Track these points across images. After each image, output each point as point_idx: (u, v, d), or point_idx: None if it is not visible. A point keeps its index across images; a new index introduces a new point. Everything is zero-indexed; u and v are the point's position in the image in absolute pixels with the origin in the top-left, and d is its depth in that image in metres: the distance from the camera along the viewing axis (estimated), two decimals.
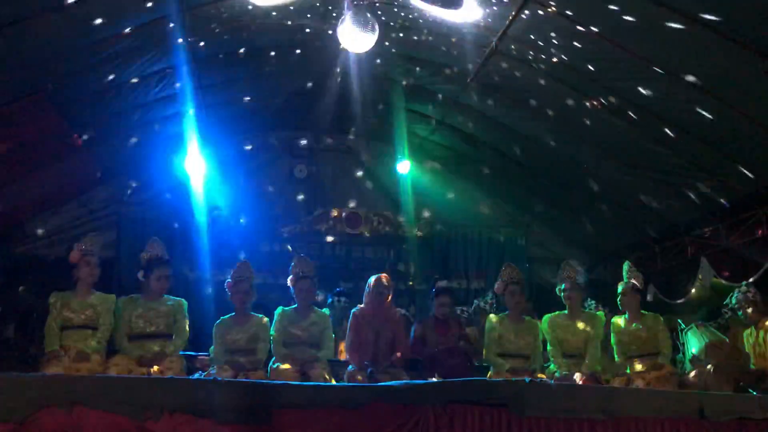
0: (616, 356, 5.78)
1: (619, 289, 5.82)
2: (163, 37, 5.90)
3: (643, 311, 5.83)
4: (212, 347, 5.48)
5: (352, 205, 9.39)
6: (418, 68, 7.37)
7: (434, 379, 4.96)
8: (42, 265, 7.95)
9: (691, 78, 5.25)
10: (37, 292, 6.81)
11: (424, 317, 6.38)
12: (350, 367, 5.59)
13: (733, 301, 6.21)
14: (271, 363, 5.42)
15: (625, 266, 5.93)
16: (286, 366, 5.21)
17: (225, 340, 5.40)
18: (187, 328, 5.45)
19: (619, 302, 5.83)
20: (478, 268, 9.56)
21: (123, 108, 6.93)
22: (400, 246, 9.36)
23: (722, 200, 6.72)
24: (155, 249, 5.60)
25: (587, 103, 6.36)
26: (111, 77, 6.21)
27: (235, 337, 5.41)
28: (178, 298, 5.58)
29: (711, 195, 6.69)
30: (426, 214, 9.48)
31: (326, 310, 5.80)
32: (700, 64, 5.11)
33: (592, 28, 5.33)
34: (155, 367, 5.03)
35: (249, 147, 9.32)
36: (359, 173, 9.78)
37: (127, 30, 5.60)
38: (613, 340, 5.79)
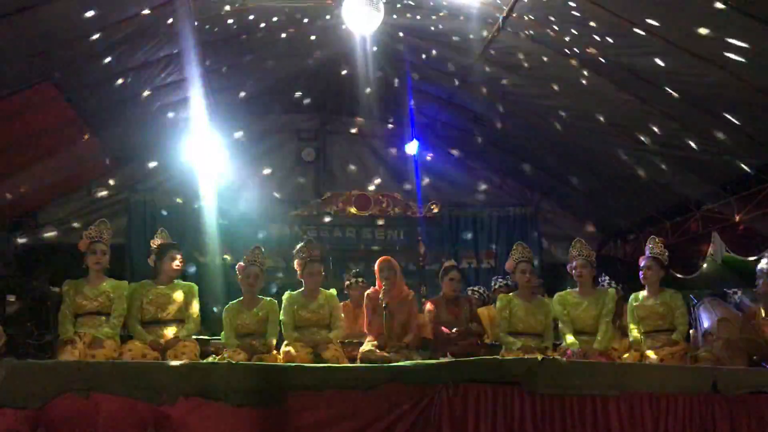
0: (630, 333, 5.73)
1: (642, 263, 5.76)
2: (169, 22, 5.88)
3: (663, 288, 5.76)
4: (223, 333, 5.52)
5: (360, 186, 9.38)
6: (424, 48, 7.32)
7: (446, 359, 4.97)
8: (55, 253, 8.02)
9: (701, 51, 5.17)
10: (51, 281, 6.87)
11: (435, 297, 6.37)
12: (363, 347, 5.62)
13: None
14: (283, 346, 5.45)
15: (649, 241, 5.85)
16: (297, 351, 5.24)
17: (235, 324, 5.45)
18: (199, 312, 5.50)
19: (641, 276, 5.75)
20: (488, 247, 9.57)
21: (130, 94, 6.93)
22: (410, 227, 9.34)
23: (733, 174, 6.65)
24: (163, 238, 5.74)
25: (595, 78, 6.30)
26: (118, 64, 6.21)
27: (245, 321, 5.46)
28: (189, 283, 5.65)
29: (722, 169, 6.63)
30: (435, 194, 9.46)
31: (333, 291, 5.79)
32: (713, 36, 5.00)
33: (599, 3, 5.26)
34: (170, 353, 5.07)
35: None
36: (367, 155, 9.77)
37: (134, 15, 5.58)
38: (629, 314, 5.74)
